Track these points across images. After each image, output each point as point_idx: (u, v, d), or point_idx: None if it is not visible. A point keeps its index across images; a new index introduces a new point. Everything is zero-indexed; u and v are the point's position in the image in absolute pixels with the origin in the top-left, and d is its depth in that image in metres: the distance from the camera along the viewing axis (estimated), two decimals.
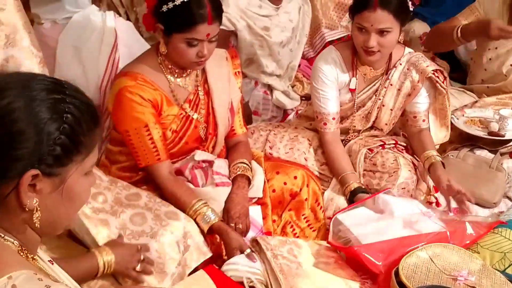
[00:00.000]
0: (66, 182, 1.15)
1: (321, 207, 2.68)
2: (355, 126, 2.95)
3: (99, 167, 2.49)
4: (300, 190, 2.61)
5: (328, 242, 2.46)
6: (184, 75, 2.48)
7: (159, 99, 2.40)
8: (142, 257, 2.06)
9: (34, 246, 1.21)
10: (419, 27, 4.27)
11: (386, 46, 2.66)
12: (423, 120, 2.89)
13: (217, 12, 2.32)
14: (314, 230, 2.68)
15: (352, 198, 2.65)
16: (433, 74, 2.78)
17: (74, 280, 1.38)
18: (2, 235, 1.13)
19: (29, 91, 1.11)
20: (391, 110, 2.88)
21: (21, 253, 1.15)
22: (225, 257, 2.31)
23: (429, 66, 2.80)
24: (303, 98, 3.86)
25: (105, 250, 1.98)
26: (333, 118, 2.84)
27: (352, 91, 2.85)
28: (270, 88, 3.73)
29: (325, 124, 2.84)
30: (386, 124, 2.93)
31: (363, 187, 2.70)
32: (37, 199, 1.12)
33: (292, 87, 3.87)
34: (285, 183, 2.60)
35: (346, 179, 2.72)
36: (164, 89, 2.43)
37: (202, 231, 2.30)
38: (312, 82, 2.88)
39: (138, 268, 2.04)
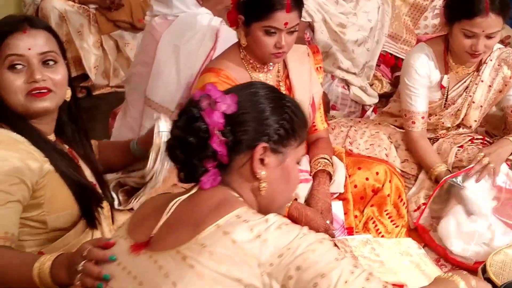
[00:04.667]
0: (285, 162, 1.44)
1: (404, 203, 2.66)
2: (443, 123, 2.92)
3: None
4: (383, 185, 2.59)
5: (416, 224, 2.52)
6: (265, 70, 2.51)
7: None
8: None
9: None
10: None
11: (490, 48, 2.66)
12: None
13: (297, 2, 2.33)
14: (397, 226, 2.65)
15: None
16: None
17: None
18: (236, 195, 1.42)
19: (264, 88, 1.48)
20: (481, 106, 2.85)
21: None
22: None
23: None
24: (381, 97, 3.82)
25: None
26: (422, 117, 2.81)
27: (442, 88, 2.82)
28: (347, 83, 3.71)
29: (413, 122, 2.82)
30: (475, 121, 2.89)
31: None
32: (265, 172, 1.40)
33: (371, 85, 3.83)
34: (367, 179, 2.58)
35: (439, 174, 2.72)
36: None
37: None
38: (403, 79, 2.85)
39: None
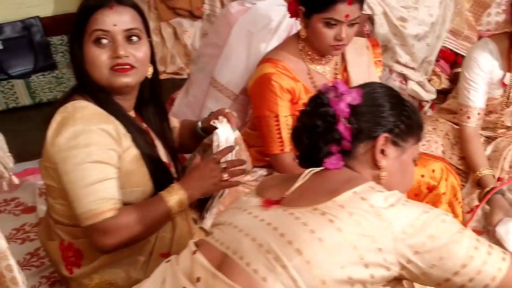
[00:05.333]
0: (404, 155, 1.54)
1: (459, 202, 2.61)
2: (503, 122, 2.86)
3: None
4: (438, 183, 2.54)
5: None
6: (323, 62, 2.49)
7: (296, 88, 2.43)
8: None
9: None
10: None
11: None
12: None
13: None
14: None
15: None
16: None
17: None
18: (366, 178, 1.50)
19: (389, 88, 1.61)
20: None
21: None
22: None
23: None
24: (439, 93, 3.75)
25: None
26: (478, 113, 2.77)
27: (504, 86, 2.77)
28: (405, 77, 3.66)
29: (468, 117, 2.77)
30: None
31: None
32: (385, 161, 1.51)
33: (429, 80, 3.77)
34: (422, 176, 2.54)
35: (482, 178, 2.68)
36: (303, 76, 2.46)
37: None
38: (463, 73, 2.81)
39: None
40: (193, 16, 4.72)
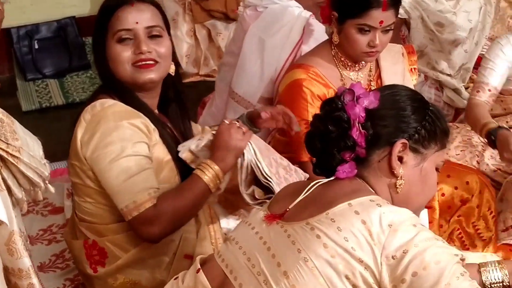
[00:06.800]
0: (425, 163, 1.44)
1: (493, 216, 2.54)
2: None
3: None
4: (472, 196, 2.48)
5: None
6: (356, 69, 2.45)
7: (328, 95, 2.38)
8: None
9: None
10: None
11: None
12: None
13: (393, 0, 2.26)
14: (484, 240, 2.54)
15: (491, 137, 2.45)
16: None
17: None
18: (372, 190, 1.43)
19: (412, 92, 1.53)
20: None
21: None
22: None
23: None
24: None
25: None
26: (489, 90, 2.67)
27: None
28: (441, 84, 3.59)
29: (478, 91, 2.68)
30: None
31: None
32: (402, 169, 1.41)
33: (466, 88, 3.69)
34: (456, 188, 2.48)
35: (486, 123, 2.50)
36: (335, 83, 2.42)
37: None
38: (484, 55, 2.80)
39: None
40: (228, 18, 4.71)
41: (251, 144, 1.95)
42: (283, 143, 2.54)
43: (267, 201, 1.82)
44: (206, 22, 4.73)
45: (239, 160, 1.94)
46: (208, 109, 3.13)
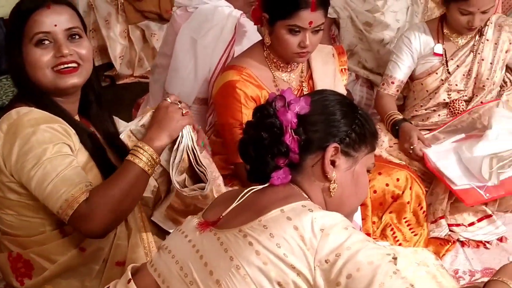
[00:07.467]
0: (356, 166, 1.47)
1: (423, 212, 2.61)
2: (457, 85, 2.95)
3: None
4: (403, 192, 2.55)
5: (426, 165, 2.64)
6: (288, 70, 2.47)
7: (261, 96, 2.40)
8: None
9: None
10: None
11: (485, 20, 2.84)
12: None
13: (322, 1, 2.29)
14: (415, 235, 2.62)
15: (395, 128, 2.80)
16: None
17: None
18: (305, 196, 1.44)
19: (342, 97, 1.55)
20: (491, 64, 2.93)
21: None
22: None
23: None
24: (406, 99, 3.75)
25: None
26: (392, 82, 2.97)
27: (437, 55, 2.94)
28: (372, 83, 3.66)
29: (383, 84, 3.00)
30: (487, 79, 2.93)
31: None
32: (335, 173, 1.43)
33: None
34: (387, 185, 2.55)
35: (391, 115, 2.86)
36: (268, 84, 2.43)
37: None
38: (392, 49, 3.05)
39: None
40: (162, 19, 4.68)
41: (189, 130, 1.88)
42: (219, 144, 2.55)
43: (196, 189, 1.84)
44: (140, 23, 4.69)
45: (177, 143, 1.87)
46: (142, 111, 3.10)
